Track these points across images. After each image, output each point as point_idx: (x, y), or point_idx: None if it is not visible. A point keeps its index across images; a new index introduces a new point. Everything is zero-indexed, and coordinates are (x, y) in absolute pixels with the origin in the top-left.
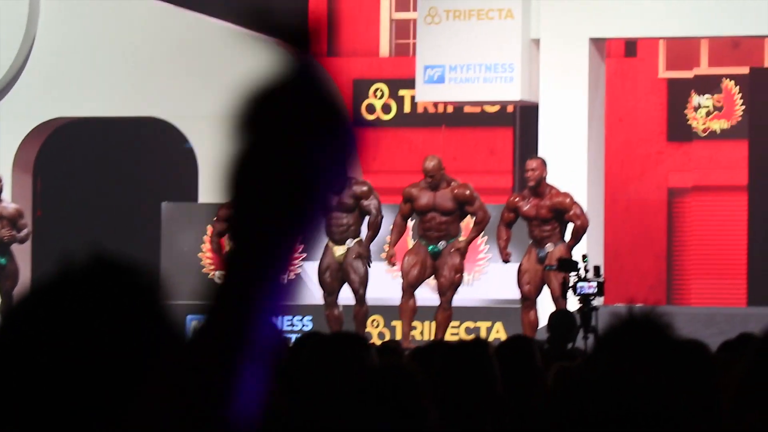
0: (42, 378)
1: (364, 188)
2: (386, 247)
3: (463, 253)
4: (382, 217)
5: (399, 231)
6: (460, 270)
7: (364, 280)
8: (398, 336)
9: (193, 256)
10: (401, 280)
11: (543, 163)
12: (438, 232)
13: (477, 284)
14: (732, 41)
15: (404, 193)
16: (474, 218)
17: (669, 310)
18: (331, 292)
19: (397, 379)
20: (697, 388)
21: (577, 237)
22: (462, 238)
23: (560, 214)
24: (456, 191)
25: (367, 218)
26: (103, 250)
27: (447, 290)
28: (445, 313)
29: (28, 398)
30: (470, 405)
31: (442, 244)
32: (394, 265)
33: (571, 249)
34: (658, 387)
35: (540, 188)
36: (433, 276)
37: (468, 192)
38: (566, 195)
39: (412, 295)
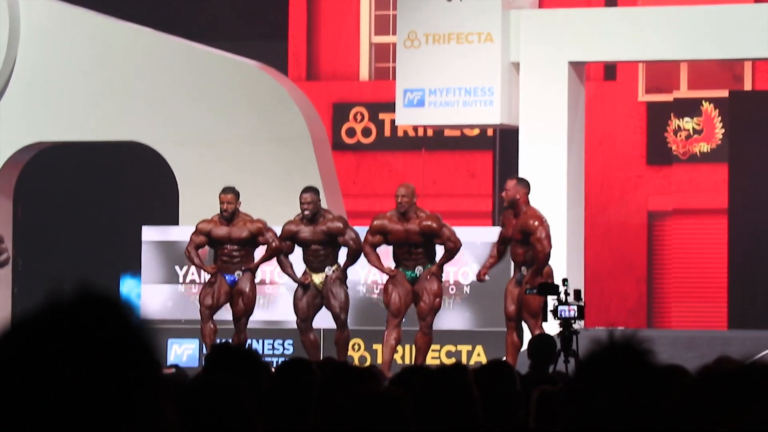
0: (29, 411)
1: (339, 224)
2: (383, 272)
3: (439, 277)
4: (361, 249)
5: (376, 255)
6: (438, 294)
7: (345, 306)
8: (380, 360)
9: (174, 280)
10: (385, 311)
11: (518, 184)
12: (414, 261)
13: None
14: (717, 62)
15: (374, 226)
16: (444, 247)
17: (650, 333)
18: (304, 318)
19: (381, 405)
20: (677, 413)
21: (539, 263)
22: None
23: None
24: (423, 224)
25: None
26: (88, 283)
27: (427, 315)
28: (424, 338)
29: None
30: (450, 430)
31: (419, 269)
32: (395, 276)
33: (536, 274)
34: (639, 412)
35: (516, 208)
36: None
37: (435, 225)
38: (533, 217)
39: (398, 326)
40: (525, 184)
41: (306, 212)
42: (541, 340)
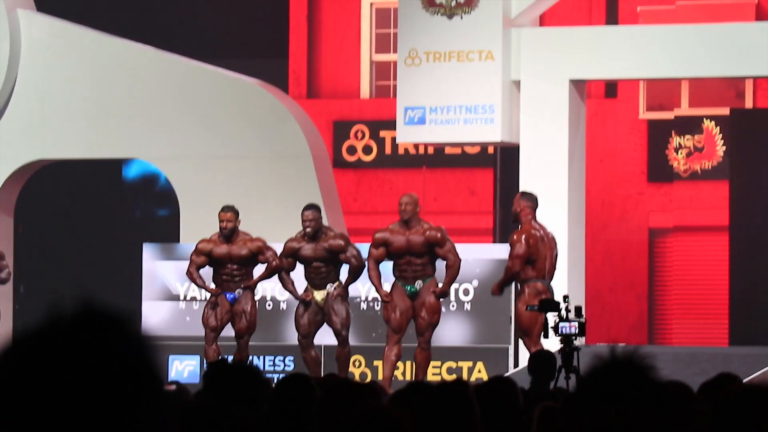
0: (31, 425)
1: (341, 242)
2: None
3: (442, 295)
4: (363, 265)
5: (377, 273)
6: (437, 310)
7: (346, 323)
8: (380, 376)
9: (175, 297)
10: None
11: (521, 197)
12: (413, 274)
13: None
14: (718, 80)
15: (376, 239)
16: (445, 262)
17: (650, 350)
18: (306, 335)
19: (381, 421)
20: (679, 430)
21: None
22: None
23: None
24: (428, 233)
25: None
26: (90, 298)
27: (425, 330)
28: (423, 353)
29: None
30: None
31: (418, 283)
32: (390, 301)
33: (501, 287)
34: (640, 426)
35: (518, 222)
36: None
37: (440, 235)
38: (516, 234)
39: (398, 342)
40: (527, 198)
41: (308, 229)
42: (540, 357)
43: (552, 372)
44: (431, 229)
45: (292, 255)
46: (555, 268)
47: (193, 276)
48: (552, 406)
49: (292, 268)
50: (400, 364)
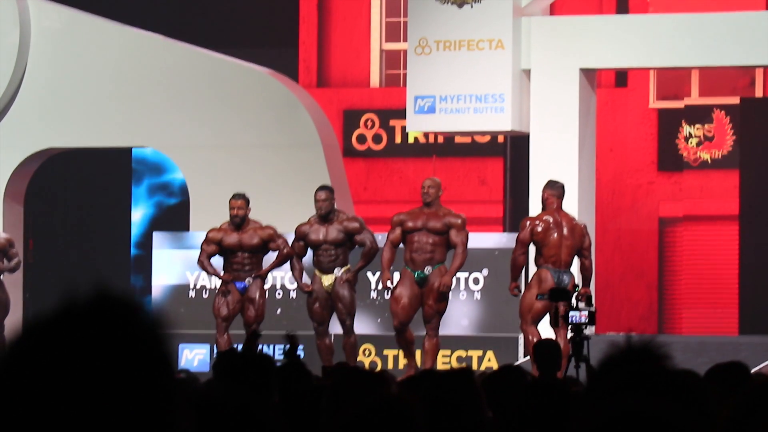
0: (45, 412)
1: (356, 224)
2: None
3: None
4: (377, 249)
5: (390, 256)
6: (445, 297)
7: (351, 310)
8: (390, 365)
9: (184, 286)
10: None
11: (546, 186)
12: (424, 256)
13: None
14: (728, 69)
15: (394, 221)
16: (456, 250)
17: (660, 339)
18: (321, 321)
19: (394, 410)
20: (692, 419)
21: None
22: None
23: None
24: (449, 219)
25: (359, 248)
26: (104, 284)
27: (432, 318)
28: (431, 341)
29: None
30: None
31: (428, 269)
32: (388, 289)
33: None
34: (656, 416)
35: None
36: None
37: (460, 221)
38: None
39: (406, 330)
40: (551, 186)
41: (321, 210)
42: (544, 346)
43: (557, 360)
44: (452, 215)
45: (302, 239)
46: (572, 259)
47: (204, 265)
48: (578, 392)
49: (304, 252)
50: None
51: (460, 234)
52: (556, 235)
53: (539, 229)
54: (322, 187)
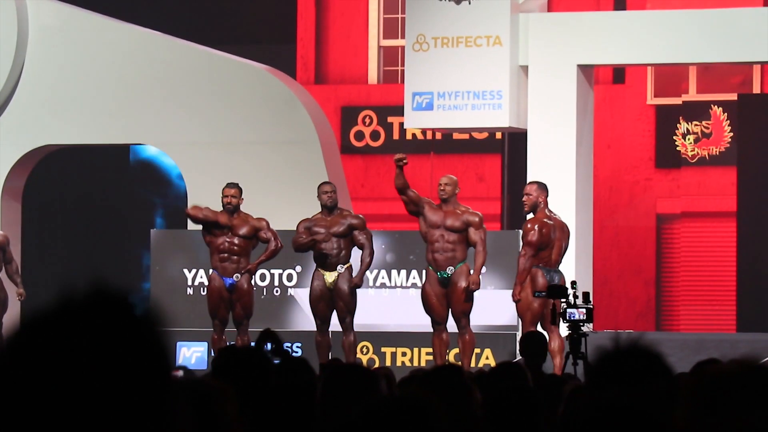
0: (43, 407)
1: (358, 221)
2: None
3: (474, 283)
4: (373, 252)
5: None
6: (469, 297)
7: (351, 308)
8: (388, 362)
9: (182, 283)
10: (427, 316)
11: (538, 187)
12: (446, 256)
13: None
14: (726, 65)
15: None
16: (476, 249)
17: (658, 336)
18: (324, 319)
19: (409, 408)
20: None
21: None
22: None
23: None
24: (467, 217)
25: (359, 249)
26: (101, 281)
27: (460, 317)
28: (463, 338)
29: (30, 426)
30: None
31: (450, 269)
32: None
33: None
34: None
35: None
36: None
37: (477, 219)
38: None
39: (444, 330)
40: (543, 187)
41: (329, 202)
42: (529, 338)
43: (542, 352)
44: (469, 212)
45: (307, 228)
46: (562, 258)
47: (196, 215)
48: (581, 386)
49: (311, 243)
50: (407, 350)
51: (479, 231)
52: (554, 237)
53: (545, 230)
54: (326, 182)
